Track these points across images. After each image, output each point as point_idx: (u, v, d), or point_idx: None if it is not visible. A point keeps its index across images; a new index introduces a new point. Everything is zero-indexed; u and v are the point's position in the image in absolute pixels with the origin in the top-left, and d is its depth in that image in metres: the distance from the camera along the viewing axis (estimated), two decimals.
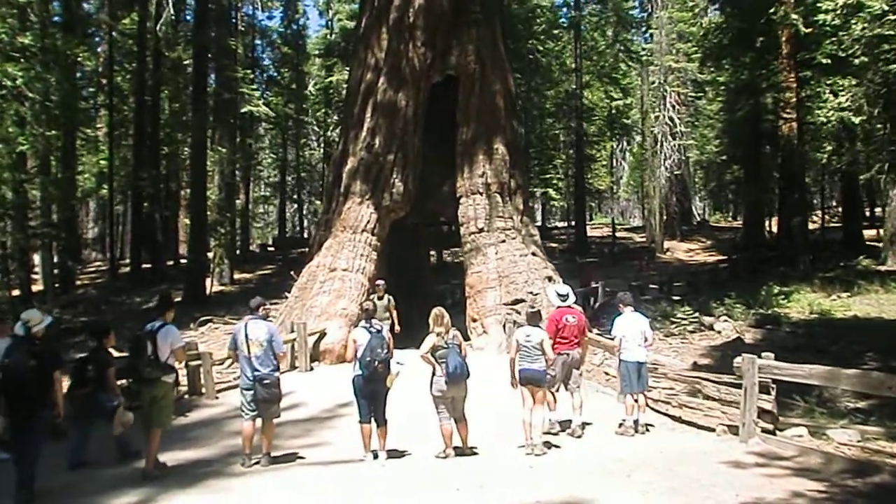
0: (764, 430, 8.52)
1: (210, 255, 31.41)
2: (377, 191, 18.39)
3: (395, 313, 14.66)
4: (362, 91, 19.23)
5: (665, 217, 41.43)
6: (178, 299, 28.30)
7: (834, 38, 20.28)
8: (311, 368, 15.69)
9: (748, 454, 8.07)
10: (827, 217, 41.83)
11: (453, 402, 8.98)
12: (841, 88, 22.97)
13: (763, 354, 8.78)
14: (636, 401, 9.83)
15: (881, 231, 35.97)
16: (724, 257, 36.86)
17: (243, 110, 32.13)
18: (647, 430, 9.80)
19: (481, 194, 18.70)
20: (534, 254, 18.87)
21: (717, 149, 44.14)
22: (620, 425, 9.77)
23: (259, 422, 8.66)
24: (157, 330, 8.36)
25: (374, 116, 18.73)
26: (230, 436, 10.01)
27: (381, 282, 15.51)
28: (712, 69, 37.61)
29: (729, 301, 20.75)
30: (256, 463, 8.47)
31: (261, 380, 8.48)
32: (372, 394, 8.76)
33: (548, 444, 9.14)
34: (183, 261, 35.25)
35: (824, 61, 24.47)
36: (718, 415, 9.59)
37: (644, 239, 43.86)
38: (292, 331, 15.80)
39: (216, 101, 31.51)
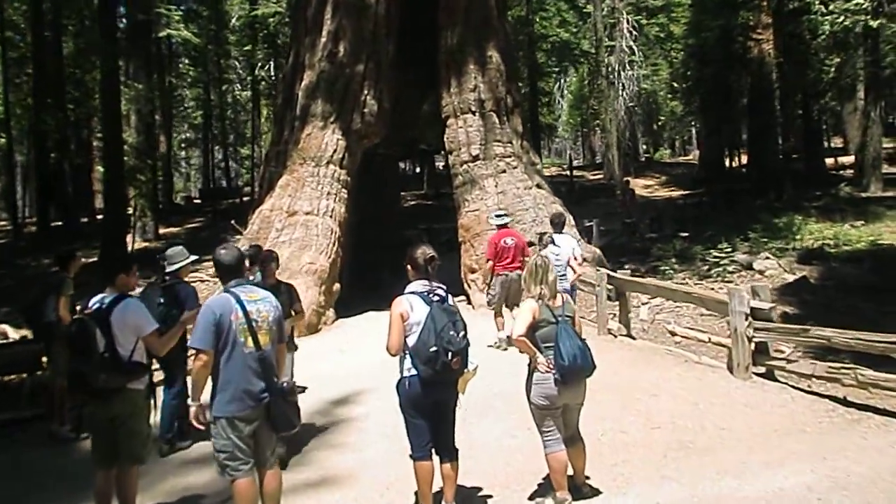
0: None
1: (130, 208, 26.54)
2: (344, 111, 13.87)
3: None
4: None
5: (625, 153, 38.10)
6: (94, 259, 23.56)
7: None
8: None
9: None
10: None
11: (566, 413, 5.24)
12: None
13: None
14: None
15: (839, 159, 34.00)
16: (688, 192, 34.28)
17: (161, 34, 26.57)
18: None
19: (474, 113, 14.39)
20: (538, 186, 14.86)
21: (674, 77, 40.98)
22: None
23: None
24: (110, 308, 5.00)
25: (336, 17, 14.08)
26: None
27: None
28: None
29: (754, 235, 17.30)
30: None
31: (284, 393, 4.68)
32: (436, 408, 5.00)
33: None
34: (100, 217, 29.92)
35: None
36: None
37: (599, 176, 40.48)
38: None
39: (129, 26, 26.02)
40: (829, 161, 34.14)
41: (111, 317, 4.91)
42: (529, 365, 5.16)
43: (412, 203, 32.24)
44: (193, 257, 7.08)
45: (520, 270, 9.16)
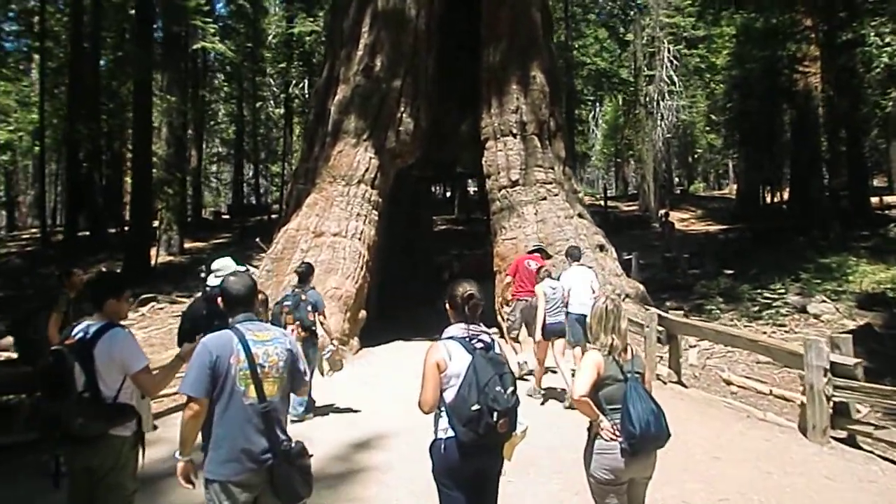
0: None
1: (157, 220, 26.04)
2: (378, 129, 13.12)
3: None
4: None
5: (661, 184, 37.13)
6: (118, 271, 22.98)
7: None
8: None
9: None
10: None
11: (631, 488, 4.31)
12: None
13: None
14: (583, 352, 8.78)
15: (884, 199, 32.75)
16: (726, 227, 33.13)
17: (195, 46, 26.08)
18: None
19: (515, 136, 13.55)
20: (580, 215, 13.95)
21: (712, 110, 39.97)
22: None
23: None
24: (94, 339, 4.09)
25: (373, 30, 13.38)
26: None
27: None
28: (713, 22, 33.65)
29: (805, 276, 16.19)
30: None
31: (290, 456, 3.76)
32: (477, 478, 4.03)
33: None
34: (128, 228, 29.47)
35: None
36: None
37: (634, 208, 39.41)
38: None
39: (164, 38, 25.61)
40: (874, 200, 32.86)
41: (95, 349, 4.04)
42: (590, 430, 4.24)
43: (442, 227, 31.41)
44: (241, 269, 6.52)
45: (530, 297, 9.34)
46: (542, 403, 8.61)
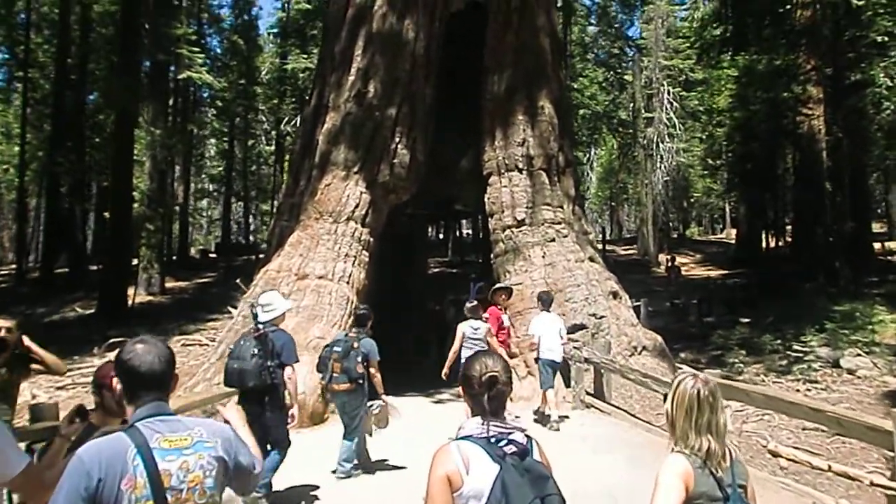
0: None
1: (137, 258, 24.55)
2: (370, 161, 11.73)
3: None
4: (350, 17, 12.36)
5: (659, 228, 36.00)
6: (91, 311, 21.43)
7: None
8: None
9: None
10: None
11: None
12: None
13: None
14: (558, 396, 9.55)
15: (886, 244, 31.89)
16: (727, 272, 32.02)
17: (181, 76, 24.80)
18: (562, 421, 9.19)
19: (521, 171, 12.18)
20: (591, 259, 12.55)
21: (708, 154, 39.06)
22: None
23: None
24: None
25: (367, 53, 12.04)
26: None
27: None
28: (713, 64, 32.85)
29: (830, 326, 14.80)
30: None
31: None
32: None
33: None
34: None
35: (879, 39, 20.68)
36: None
37: (632, 252, 38.19)
38: None
39: (150, 67, 24.37)
40: (876, 246, 31.84)
41: None
42: None
43: (436, 270, 30.00)
44: (289, 304, 6.64)
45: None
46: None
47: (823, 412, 6.67)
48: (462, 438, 2.62)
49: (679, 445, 2.92)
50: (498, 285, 9.93)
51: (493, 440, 2.59)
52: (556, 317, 9.73)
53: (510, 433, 2.63)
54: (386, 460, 7.48)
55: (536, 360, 9.54)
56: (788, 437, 9.05)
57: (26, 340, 5.29)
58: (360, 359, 6.78)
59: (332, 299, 10.90)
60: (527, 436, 2.68)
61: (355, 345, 6.85)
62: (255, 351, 5.77)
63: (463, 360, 7.82)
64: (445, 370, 8.53)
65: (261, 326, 5.99)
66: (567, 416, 9.64)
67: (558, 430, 8.92)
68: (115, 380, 2.51)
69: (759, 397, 7.61)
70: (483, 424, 2.61)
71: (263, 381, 5.61)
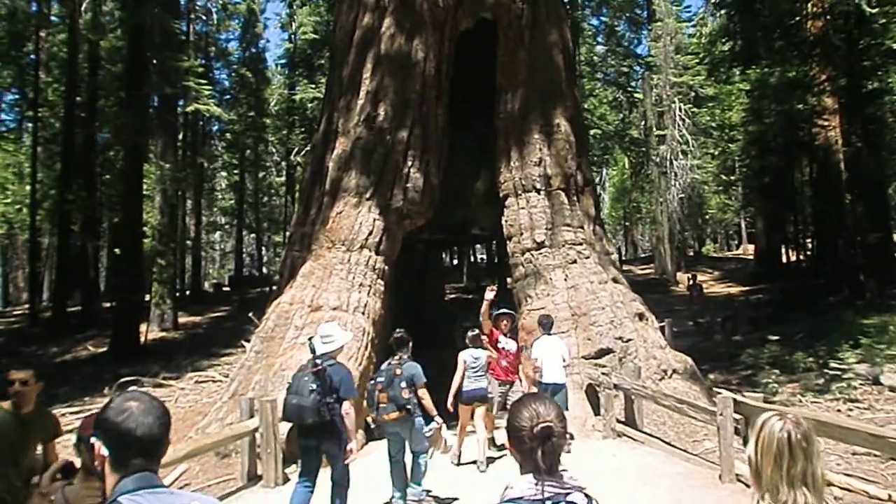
0: None
1: (150, 294, 24.22)
2: (382, 186, 11.30)
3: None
4: (358, 39, 12.01)
5: (676, 246, 35.41)
6: (104, 349, 21.04)
7: None
8: (287, 479, 8.49)
9: None
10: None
11: None
12: None
13: None
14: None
15: None
16: (748, 288, 31.42)
17: (189, 109, 24.57)
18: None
19: (539, 192, 11.69)
20: (615, 280, 12.02)
21: (722, 170, 38.61)
22: None
23: None
24: None
25: (376, 75, 11.65)
26: None
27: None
28: (724, 79, 32.44)
29: (866, 341, 14.15)
30: None
31: None
32: None
33: None
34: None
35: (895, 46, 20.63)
36: None
37: (648, 271, 37.58)
38: (253, 412, 8.76)
39: (158, 101, 24.18)
40: None
41: None
42: None
43: (451, 296, 29.50)
44: (349, 336, 6.73)
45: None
46: (457, 465, 8.69)
47: (886, 439, 6.11)
48: (511, 502, 2.16)
49: (767, 499, 2.42)
50: (499, 311, 9.48)
51: None
52: (557, 339, 9.69)
53: (568, 493, 2.17)
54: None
55: (539, 383, 9.44)
56: (838, 464, 8.42)
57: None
58: (404, 384, 6.59)
59: (348, 331, 10.40)
60: (586, 495, 2.21)
61: (398, 371, 6.68)
62: (314, 387, 5.72)
63: (464, 390, 8.36)
64: (451, 401, 8.32)
65: (318, 361, 5.88)
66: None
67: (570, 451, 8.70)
68: (94, 440, 2.04)
69: (808, 422, 7.02)
70: (537, 485, 2.15)
71: (322, 417, 5.60)
